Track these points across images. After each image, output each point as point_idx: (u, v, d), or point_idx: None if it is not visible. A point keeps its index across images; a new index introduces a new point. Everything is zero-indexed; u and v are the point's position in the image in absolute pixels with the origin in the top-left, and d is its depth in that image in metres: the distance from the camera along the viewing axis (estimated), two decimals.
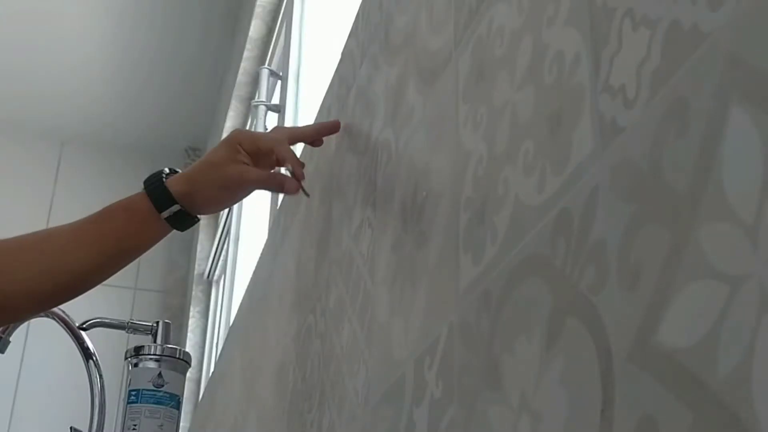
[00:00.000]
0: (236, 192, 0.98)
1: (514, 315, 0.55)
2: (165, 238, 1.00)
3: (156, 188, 0.96)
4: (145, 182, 0.97)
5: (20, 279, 0.93)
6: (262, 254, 1.70)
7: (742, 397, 0.34)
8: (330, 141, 1.10)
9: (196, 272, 3.65)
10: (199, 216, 0.97)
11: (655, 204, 0.42)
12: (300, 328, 1.16)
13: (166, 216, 0.95)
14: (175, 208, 0.95)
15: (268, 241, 1.65)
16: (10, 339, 1.20)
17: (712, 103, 0.39)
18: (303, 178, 0.97)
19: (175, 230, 0.98)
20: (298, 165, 0.97)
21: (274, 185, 0.98)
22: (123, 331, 1.18)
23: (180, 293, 3.97)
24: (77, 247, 0.94)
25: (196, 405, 2.97)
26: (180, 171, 0.98)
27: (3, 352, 1.21)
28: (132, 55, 3.88)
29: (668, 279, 0.40)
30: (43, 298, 0.96)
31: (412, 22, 0.89)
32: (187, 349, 1.47)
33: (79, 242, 0.95)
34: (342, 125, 1.07)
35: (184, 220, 0.96)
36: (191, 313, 3.69)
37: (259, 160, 0.97)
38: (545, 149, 0.55)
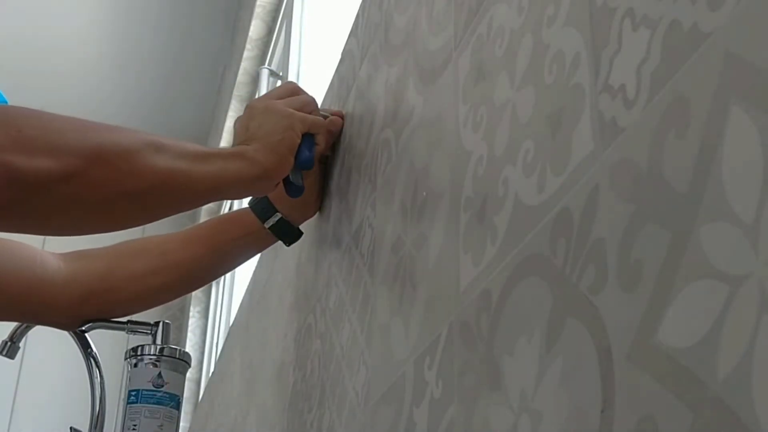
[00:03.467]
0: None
1: (514, 315, 0.55)
2: None
3: (260, 201, 1.06)
4: (251, 199, 1.08)
5: (137, 276, 1.05)
6: (262, 254, 1.70)
7: (742, 397, 0.34)
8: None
9: None
10: (301, 230, 1.08)
11: (655, 204, 0.42)
12: (300, 328, 1.16)
13: (269, 225, 1.04)
14: (277, 216, 1.04)
15: None
16: (20, 345, 1.21)
17: (712, 103, 0.39)
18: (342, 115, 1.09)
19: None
20: (334, 115, 1.08)
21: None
22: (123, 332, 1.17)
23: None
24: (190, 244, 1.06)
25: (196, 405, 2.97)
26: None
27: (12, 358, 1.22)
28: (132, 55, 3.88)
29: (668, 279, 0.40)
30: (154, 293, 1.08)
31: (412, 22, 0.89)
32: (187, 349, 1.47)
33: (192, 240, 1.06)
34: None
35: (289, 231, 1.06)
36: (191, 313, 3.69)
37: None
38: (545, 149, 0.55)
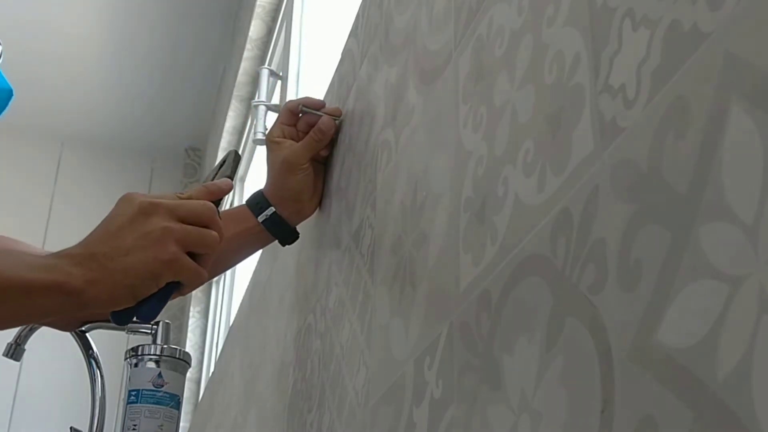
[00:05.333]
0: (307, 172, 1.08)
1: (514, 315, 0.55)
2: None
3: (254, 195, 1.06)
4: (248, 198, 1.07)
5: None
6: (261, 254, 1.70)
7: (742, 397, 0.34)
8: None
9: None
10: (297, 230, 1.06)
11: (655, 204, 0.42)
12: (300, 328, 1.16)
13: (263, 219, 1.03)
14: (271, 210, 1.03)
15: None
16: (25, 347, 1.21)
17: (712, 103, 0.39)
18: (339, 113, 1.09)
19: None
20: (332, 114, 1.07)
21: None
22: (123, 332, 1.17)
23: None
24: None
25: (196, 405, 2.97)
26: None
27: (18, 360, 1.22)
28: (132, 55, 3.88)
29: (668, 279, 0.40)
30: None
31: (412, 22, 0.89)
32: (187, 349, 1.47)
33: None
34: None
35: (283, 229, 1.05)
36: (191, 313, 3.69)
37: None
38: (545, 149, 0.55)
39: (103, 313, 0.83)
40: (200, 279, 0.82)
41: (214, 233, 0.82)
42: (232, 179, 0.91)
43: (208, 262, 0.82)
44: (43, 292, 0.72)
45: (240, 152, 2.04)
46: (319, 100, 1.12)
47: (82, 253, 0.75)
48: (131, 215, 0.78)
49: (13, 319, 0.76)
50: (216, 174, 0.95)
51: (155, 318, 0.82)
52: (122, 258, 0.75)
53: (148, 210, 0.78)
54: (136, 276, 0.76)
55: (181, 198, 0.83)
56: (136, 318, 0.80)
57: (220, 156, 3.53)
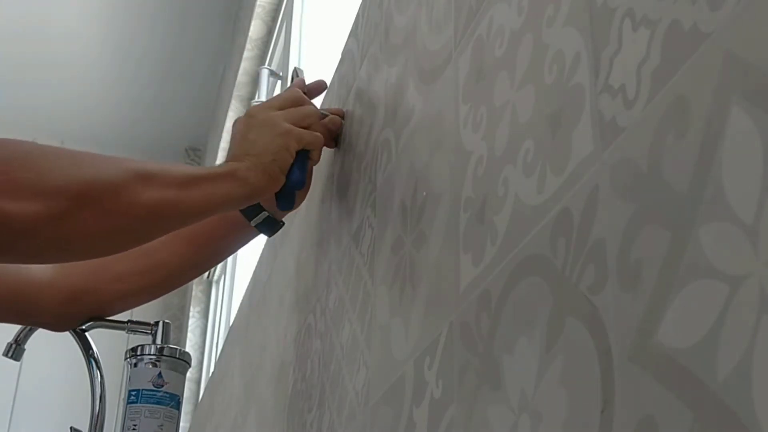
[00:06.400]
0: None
1: (514, 315, 0.55)
2: None
3: None
4: None
5: (121, 277, 1.06)
6: (261, 254, 1.70)
7: (742, 397, 0.34)
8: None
9: None
10: (283, 221, 1.06)
11: (655, 204, 0.42)
12: (300, 328, 1.16)
13: (256, 224, 1.03)
14: (264, 215, 1.03)
15: (267, 241, 1.65)
16: (25, 347, 1.21)
17: (712, 103, 0.39)
18: (341, 114, 1.10)
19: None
20: (334, 114, 1.09)
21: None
22: (123, 332, 1.18)
23: (180, 293, 3.97)
24: (174, 243, 1.06)
25: (196, 405, 2.97)
26: None
27: (18, 360, 1.22)
28: (132, 55, 3.88)
29: (668, 279, 0.40)
30: (138, 293, 1.09)
31: (412, 22, 0.89)
32: (187, 349, 1.47)
33: (175, 239, 1.05)
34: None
35: (272, 226, 1.05)
36: (191, 313, 3.69)
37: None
38: (545, 149, 0.55)
39: (268, 202, 1.00)
40: (318, 140, 0.99)
41: (309, 106, 1.01)
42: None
43: (317, 130, 1.00)
44: (223, 179, 0.87)
45: None
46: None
47: (230, 158, 0.92)
48: (243, 124, 0.95)
49: (207, 203, 0.86)
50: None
51: (304, 185, 0.99)
52: (255, 146, 0.92)
53: (252, 113, 0.97)
54: (273, 153, 0.92)
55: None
56: (291, 187, 0.96)
57: (221, 156, 3.53)
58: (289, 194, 0.98)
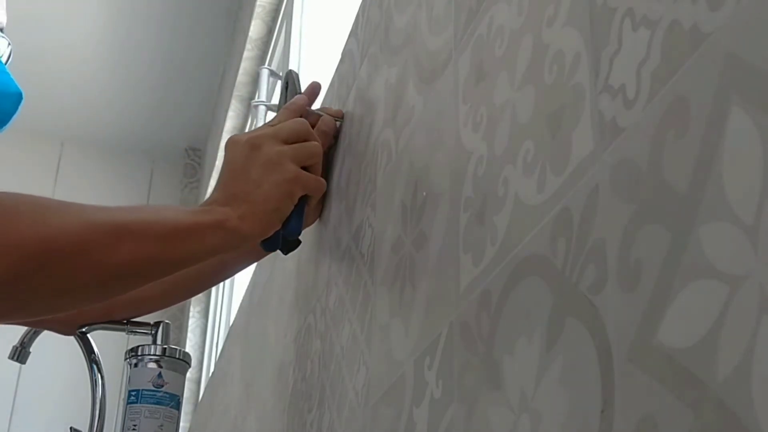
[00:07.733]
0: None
1: (514, 315, 0.55)
2: None
3: None
4: None
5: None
6: None
7: (742, 397, 0.34)
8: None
9: None
10: (300, 239, 0.99)
11: (655, 204, 0.42)
12: (300, 328, 1.16)
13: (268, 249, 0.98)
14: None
15: None
16: (30, 350, 1.21)
17: (712, 103, 0.39)
18: (341, 115, 1.07)
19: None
20: (333, 115, 1.06)
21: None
22: (123, 332, 1.18)
23: None
24: None
25: (196, 405, 2.97)
26: None
27: (24, 363, 1.22)
28: (132, 55, 3.88)
29: (668, 279, 0.40)
30: (149, 303, 1.10)
31: (412, 22, 0.89)
32: (187, 349, 1.47)
33: None
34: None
35: (291, 246, 0.98)
36: (191, 313, 3.69)
37: None
38: (545, 149, 0.55)
39: (248, 248, 0.93)
40: (321, 186, 0.94)
41: (316, 143, 0.93)
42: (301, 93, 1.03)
43: (319, 171, 0.94)
44: (210, 231, 0.80)
45: None
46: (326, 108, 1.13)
47: (225, 196, 0.84)
48: (245, 153, 0.87)
49: (190, 258, 0.81)
50: (285, 97, 1.07)
51: (301, 232, 0.93)
52: (258, 190, 0.84)
53: (257, 143, 0.88)
54: (276, 200, 0.85)
55: (273, 126, 0.92)
56: (286, 235, 0.90)
57: (221, 155, 3.53)
58: (278, 240, 0.91)
